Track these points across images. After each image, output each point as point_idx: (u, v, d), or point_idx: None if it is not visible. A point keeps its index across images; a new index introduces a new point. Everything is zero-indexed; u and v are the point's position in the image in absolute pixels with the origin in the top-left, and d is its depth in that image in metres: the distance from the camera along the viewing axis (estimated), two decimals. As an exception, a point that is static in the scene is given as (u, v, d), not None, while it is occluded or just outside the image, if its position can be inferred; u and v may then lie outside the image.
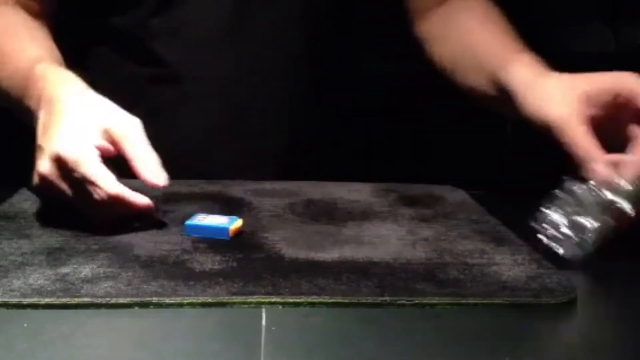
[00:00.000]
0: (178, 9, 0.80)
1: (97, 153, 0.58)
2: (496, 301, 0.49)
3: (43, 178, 0.59)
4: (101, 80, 0.84)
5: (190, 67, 0.82)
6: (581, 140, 0.61)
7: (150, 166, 0.59)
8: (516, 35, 0.76)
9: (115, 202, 0.58)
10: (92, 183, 0.57)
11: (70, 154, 0.57)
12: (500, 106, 0.74)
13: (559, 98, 0.64)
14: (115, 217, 0.59)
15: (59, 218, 0.61)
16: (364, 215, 0.67)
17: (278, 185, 0.76)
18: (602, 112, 0.63)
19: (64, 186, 0.58)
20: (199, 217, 0.60)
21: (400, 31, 0.90)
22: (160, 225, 0.62)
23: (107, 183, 0.57)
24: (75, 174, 0.57)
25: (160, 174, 0.59)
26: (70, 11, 0.82)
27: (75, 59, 0.74)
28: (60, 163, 0.57)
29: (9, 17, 0.78)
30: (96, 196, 0.57)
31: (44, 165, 0.58)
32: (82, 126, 0.59)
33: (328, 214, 0.67)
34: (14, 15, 0.78)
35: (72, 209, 0.60)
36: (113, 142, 0.59)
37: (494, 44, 0.76)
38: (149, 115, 0.82)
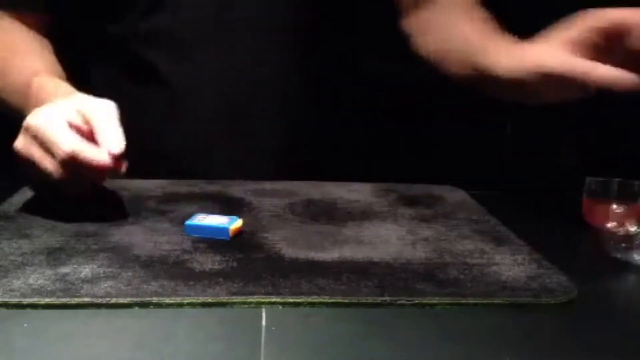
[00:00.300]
0: (172, 9, 0.81)
1: (63, 122, 0.59)
2: (496, 301, 0.49)
3: (18, 153, 0.61)
4: (100, 83, 0.85)
5: (187, 67, 0.82)
6: (585, 63, 0.59)
7: (108, 136, 0.59)
8: (493, 23, 0.78)
9: (75, 161, 0.58)
10: (53, 143, 0.58)
11: (36, 122, 0.60)
12: (489, 88, 0.75)
13: (545, 53, 0.63)
14: (82, 184, 0.61)
15: (59, 218, 0.61)
16: (364, 215, 0.67)
17: (278, 185, 0.76)
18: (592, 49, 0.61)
19: (35, 153, 0.60)
20: (199, 217, 0.60)
21: (400, 31, 0.90)
22: (160, 225, 0.62)
23: (64, 140, 0.58)
24: (39, 138, 0.59)
25: (117, 144, 0.59)
26: (65, 21, 0.84)
27: (74, 67, 0.76)
28: (29, 132, 0.60)
29: (7, 31, 0.80)
30: (57, 157, 0.58)
31: (18, 140, 0.61)
32: (56, 105, 0.61)
33: (328, 214, 0.67)
34: (12, 30, 0.80)
35: (51, 184, 0.61)
36: (86, 123, 0.61)
37: (473, 34, 0.78)
38: (148, 116, 0.83)
